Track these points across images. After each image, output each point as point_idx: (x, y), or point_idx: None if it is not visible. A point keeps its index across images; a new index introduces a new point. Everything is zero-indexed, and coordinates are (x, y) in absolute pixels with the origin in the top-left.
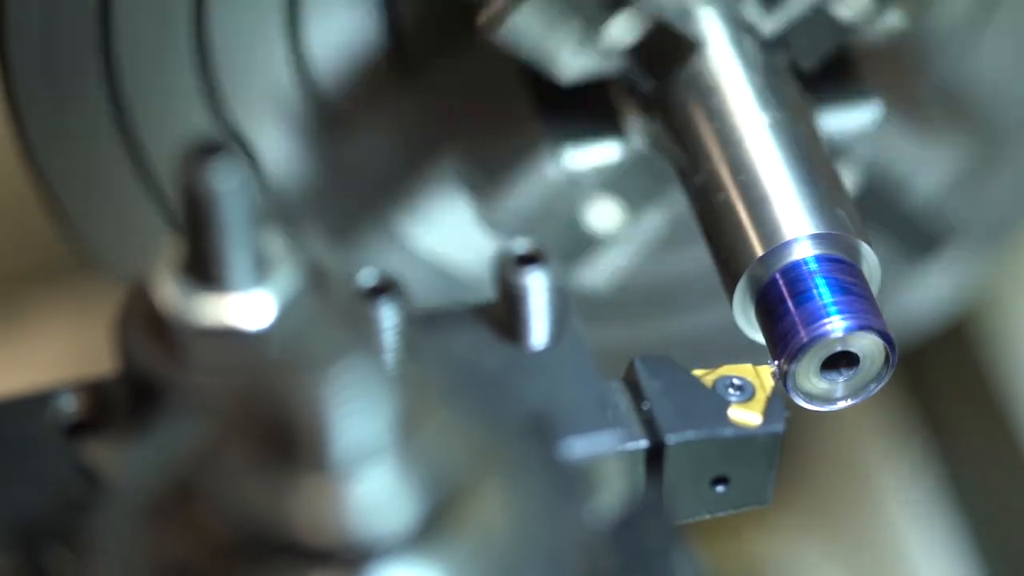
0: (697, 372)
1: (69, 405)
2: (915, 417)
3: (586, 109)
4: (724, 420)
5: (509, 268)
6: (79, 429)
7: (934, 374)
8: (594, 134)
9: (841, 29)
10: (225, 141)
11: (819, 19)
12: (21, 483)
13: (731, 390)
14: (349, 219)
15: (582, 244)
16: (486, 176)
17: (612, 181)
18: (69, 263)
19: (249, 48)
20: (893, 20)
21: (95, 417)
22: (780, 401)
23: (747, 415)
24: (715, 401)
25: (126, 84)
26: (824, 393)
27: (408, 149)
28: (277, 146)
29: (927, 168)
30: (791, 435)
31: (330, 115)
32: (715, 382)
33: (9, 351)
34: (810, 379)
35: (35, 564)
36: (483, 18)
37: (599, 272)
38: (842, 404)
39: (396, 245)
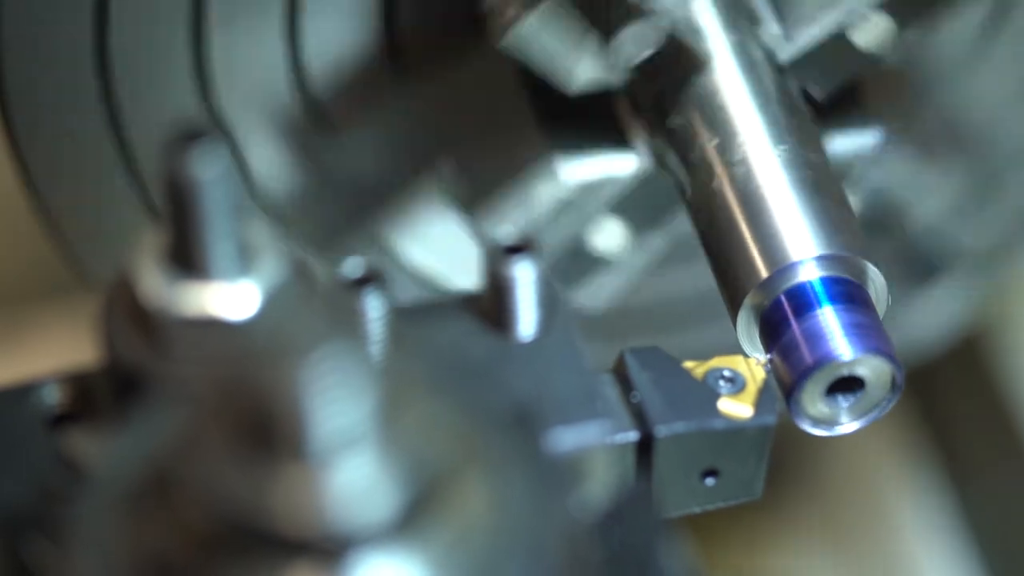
0: (688, 364)
1: (52, 396)
2: (925, 434)
3: (589, 122)
4: (714, 412)
5: (496, 258)
6: (62, 420)
7: (944, 390)
8: (599, 147)
9: (858, 57)
10: (208, 127)
11: (837, 46)
12: (2, 473)
13: (722, 382)
14: (335, 226)
15: (583, 265)
16: (481, 192)
17: (617, 201)
18: (68, 281)
19: (246, 47)
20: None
21: (78, 408)
22: (771, 393)
23: (738, 407)
24: (705, 393)
25: (120, 90)
26: (829, 417)
27: (401, 157)
28: (266, 147)
29: (929, 194)
30: (800, 451)
31: (323, 119)
32: (705, 374)
33: (8, 369)
34: (815, 403)
35: (15, 554)
36: (492, 25)
37: (598, 293)
38: (847, 428)
39: (383, 256)
